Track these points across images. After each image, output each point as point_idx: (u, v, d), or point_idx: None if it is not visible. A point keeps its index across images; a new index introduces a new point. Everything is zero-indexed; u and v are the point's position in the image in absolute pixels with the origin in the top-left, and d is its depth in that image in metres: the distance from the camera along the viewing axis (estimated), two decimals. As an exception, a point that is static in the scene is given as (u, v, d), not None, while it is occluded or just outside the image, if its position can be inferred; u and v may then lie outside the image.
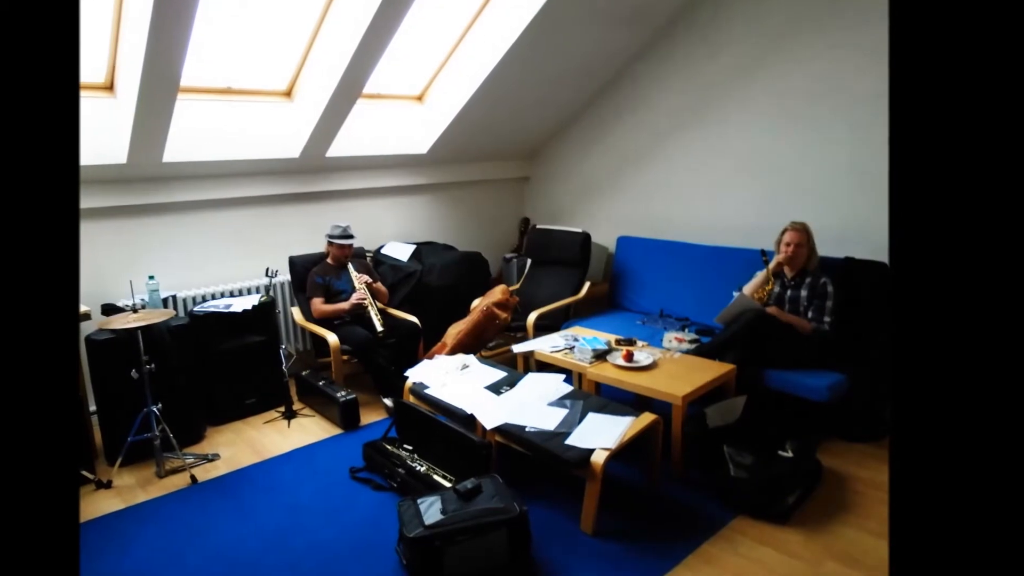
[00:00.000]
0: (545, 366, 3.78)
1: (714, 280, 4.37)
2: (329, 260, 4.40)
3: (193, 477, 3.31)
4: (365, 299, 4.19)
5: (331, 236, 4.33)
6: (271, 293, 4.24)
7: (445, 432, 3.07)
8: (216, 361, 3.91)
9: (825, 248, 3.77)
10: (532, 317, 4.52)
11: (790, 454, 2.94)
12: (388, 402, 4.03)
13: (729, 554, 2.61)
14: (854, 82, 3.92)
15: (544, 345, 3.81)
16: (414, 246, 5.06)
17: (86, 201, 3.79)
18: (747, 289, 3.79)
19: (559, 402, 3.17)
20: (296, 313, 4.48)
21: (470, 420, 3.13)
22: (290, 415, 4.05)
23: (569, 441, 2.80)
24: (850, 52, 3.92)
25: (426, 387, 3.49)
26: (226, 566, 2.62)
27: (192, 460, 3.47)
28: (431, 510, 2.47)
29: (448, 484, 2.89)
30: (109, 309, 3.62)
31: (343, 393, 3.88)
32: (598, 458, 2.68)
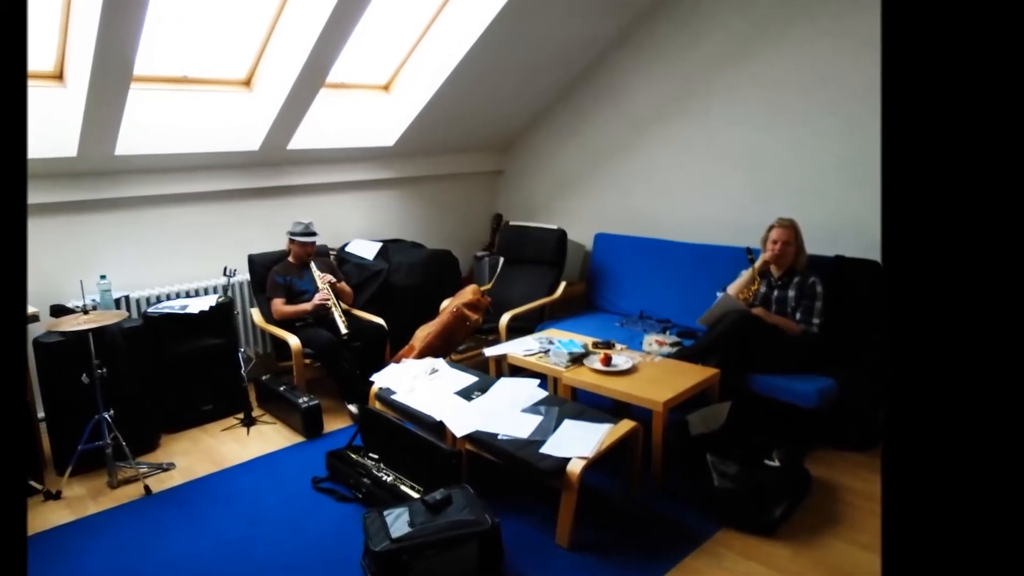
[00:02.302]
0: (518, 370, 3.77)
1: (697, 280, 4.34)
2: (290, 259, 4.38)
3: (147, 487, 3.27)
4: (328, 300, 4.17)
5: (293, 233, 4.30)
6: (229, 293, 4.18)
7: (413, 440, 3.06)
8: (171, 365, 3.88)
9: (814, 246, 3.73)
10: (505, 319, 4.50)
11: (777, 463, 2.92)
12: (353, 408, 3.99)
13: (713, 568, 2.58)
14: (846, 72, 3.89)
15: (517, 348, 3.79)
16: (380, 244, 5.05)
17: (34, 196, 3.75)
18: (731, 289, 3.76)
19: (533, 408, 3.15)
20: (256, 314, 4.46)
21: (439, 427, 3.11)
22: (249, 422, 4.00)
23: (544, 450, 2.78)
24: (841, 41, 3.88)
25: (393, 392, 3.45)
26: (182, 580, 2.62)
27: (146, 469, 3.43)
28: (398, 522, 2.45)
29: (416, 495, 2.88)
30: (58, 310, 3.57)
31: (305, 399, 3.85)
32: (574, 467, 2.65)
